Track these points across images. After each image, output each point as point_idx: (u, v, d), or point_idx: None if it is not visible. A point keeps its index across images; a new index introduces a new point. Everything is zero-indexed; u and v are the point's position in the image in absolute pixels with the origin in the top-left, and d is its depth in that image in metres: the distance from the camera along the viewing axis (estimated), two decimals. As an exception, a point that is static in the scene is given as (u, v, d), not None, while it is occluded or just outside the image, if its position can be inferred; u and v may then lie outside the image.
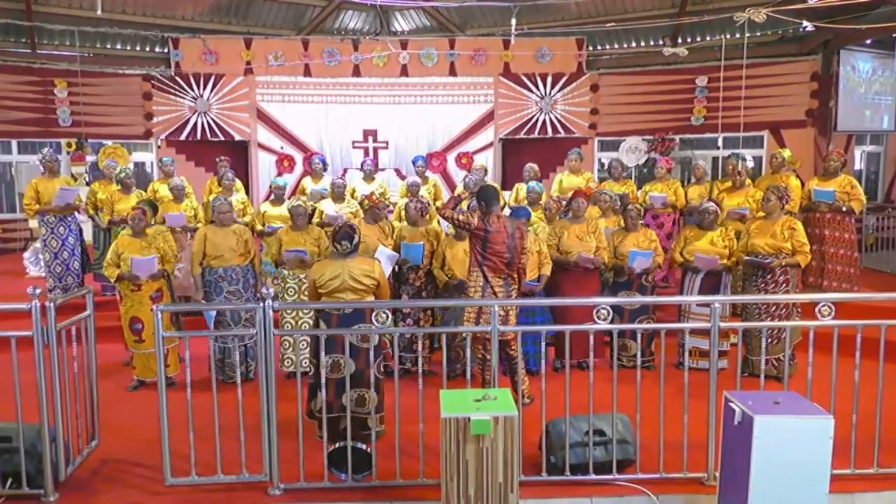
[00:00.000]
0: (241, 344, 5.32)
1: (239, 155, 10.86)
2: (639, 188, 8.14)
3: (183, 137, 11.03)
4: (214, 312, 5.30)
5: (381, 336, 4.44)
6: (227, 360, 5.41)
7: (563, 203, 6.29)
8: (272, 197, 7.27)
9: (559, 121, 11.30)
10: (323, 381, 3.70)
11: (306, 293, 5.23)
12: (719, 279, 5.59)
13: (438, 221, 7.67)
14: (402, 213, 6.81)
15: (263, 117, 11.16)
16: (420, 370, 3.69)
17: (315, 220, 6.92)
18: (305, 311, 5.37)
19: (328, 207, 7.05)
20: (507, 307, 4.58)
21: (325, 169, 8.24)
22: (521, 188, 7.73)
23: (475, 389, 3.26)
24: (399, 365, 4.02)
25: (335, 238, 4.28)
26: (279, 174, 10.85)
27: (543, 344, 3.68)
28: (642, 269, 5.66)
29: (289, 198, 7.27)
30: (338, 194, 7.14)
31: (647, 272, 5.72)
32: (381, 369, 4.24)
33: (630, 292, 5.72)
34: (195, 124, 10.98)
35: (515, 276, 4.72)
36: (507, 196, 8.03)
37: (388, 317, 3.54)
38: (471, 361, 3.70)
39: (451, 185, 10.60)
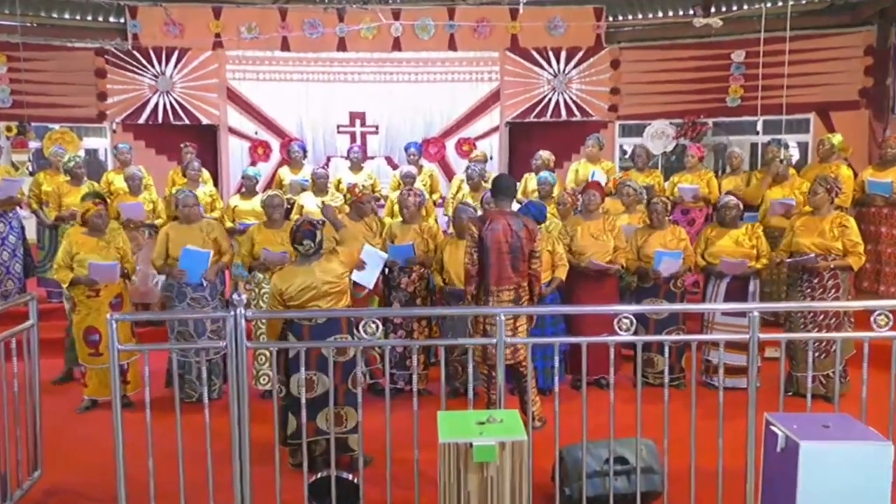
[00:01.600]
0: (207, 359, 5.32)
1: (207, 141, 10.83)
2: (666, 179, 8.15)
3: (142, 121, 11.01)
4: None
5: (369, 350, 4.45)
6: (186, 375, 5.41)
7: (580, 196, 6.30)
8: (243, 189, 7.27)
9: (575, 102, 11.30)
10: (298, 401, 3.70)
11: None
12: (746, 284, 5.59)
13: (436, 218, 7.69)
14: (395, 207, 6.82)
15: (235, 98, 11.14)
16: (415, 389, 3.68)
17: (294, 215, 6.92)
18: (263, 323, 5.37)
19: (309, 201, 7.05)
20: (516, 317, 4.58)
21: (305, 157, 8.25)
22: (531, 179, 7.74)
23: (478, 411, 3.25)
24: (390, 383, 4.01)
25: (294, 238, 4.27)
26: (252, 163, 10.85)
27: (557, 358, 3.68)
28: (670, 273, 5.66)
29: (263, 190, 7.27)
30: (320, 186, 7.15)
31: (675, 276, 5.71)
32: (367, 383, 4.25)
33: (656, 299, 5.72)
34: (156, 106, 10.96)
35: (525, 285, 4.70)
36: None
37: (377, 328, 3.54)
38: (473, 378, 3.69)
39: (450, 175, 10.58)
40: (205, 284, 5.50)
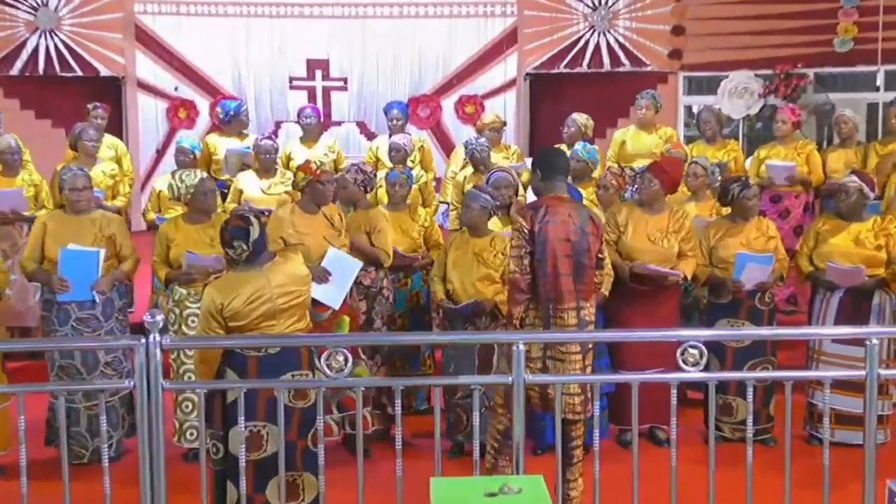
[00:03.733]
0: (107, 402, 5.27)
1: (107, 100, 10.81)
2: (748, 154, 8.14)
3: (16, 72, 10.99)
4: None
5: (342, 392, 4.44)
6: (73, 427, 5.38)
7: (630, 177, 6.29)
8: (176, 168, 7.24)
9: (622, 45, 11.30)
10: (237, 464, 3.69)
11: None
12: (868, 300, 5.60)
13: (437, 207, 7.68)
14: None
15: (146, 40, 11.13)
16: (397, 447, 3.66)
17: (229, 202, 6.90)
18: (188, 356, 5.35)
19: (250, 185, 7.04)
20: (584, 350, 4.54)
21: (243, 121, 8.23)
22: (562, 153, 7.74)
23: (487, 477, 3.25)
24: (367, 429, 4.02)
25: (223, 239, 4.28)
26: (172, 129, 10.84)
27: (597, 403, 3.68)
28: (755, 284, 5.66)
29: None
30: (266, 164, 7.13)
31: (762, 288, 5.71)
32: (343, 433, 4.24)
33: (736, 321, 5.72)
34: (35, 50, 10.94)
35: (590, 305, 4.68)
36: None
37: (347, 360, 3.52)
38: (481, 429, 3.68)
39: (448, 147, 10.57)
40: (96, 300, 5.48)
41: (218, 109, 8.23)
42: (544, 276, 4.54)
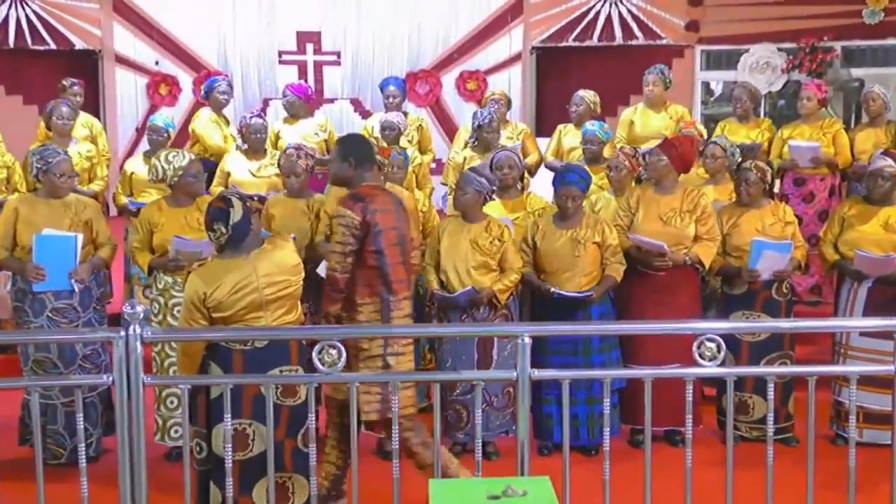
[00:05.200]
0: (85, 397, 5.29)
1: (83, 75, 10.80)
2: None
3: (-16, 45, 10.97)
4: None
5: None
6: (50, 425, 5.40)
7: (642, 158, 6.28)
8: (148, 148, 7.24)
9: (635, 17, 11.27)
10: (224, 464, 3.69)
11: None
12: (898, 291, 5.60)
13: (432, 190, 7.67)
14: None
15: (125, 10, 11.11)
16: (394, 447, 3.66)
17: (215, 185, 6.89)
18: (172, 348, 5.35)
19: (238, 166, 7.03)
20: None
21: (228, 98, 8.21)
22: (570, 133, 7.70)
23: (489, 478, 3.25)
24: (359, 430, 4.02)
25: (206, 222, 4.31)
26: (153, 107, 10.83)
27: (608, 401, 3.67)
28: (772, 273, 5.65)
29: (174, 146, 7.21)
30: (254, 143, 7.11)
31: (780, 277, 5.71)
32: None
33: (752, 313, 5.72)
34: (5, 21, 10.92)
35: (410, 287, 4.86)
36: (543, 146, 8.02)
37: (340, 354, 3.53)
38: (484, 427, 3.69)
39: (448, 127, 10.56)
40: (74, 288, 5.48)
41: (215, 84, 8.18)
42: (384, 267, 4.62)
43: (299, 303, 4.49)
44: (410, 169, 6.62)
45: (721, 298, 5.90)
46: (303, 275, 4.42)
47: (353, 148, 4.84)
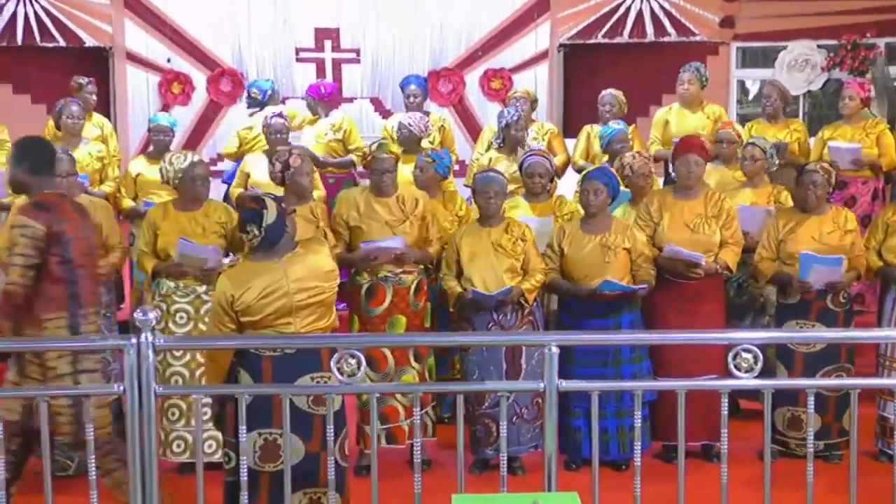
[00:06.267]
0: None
1: (93, 73, 10.86)
2: (811, 134, 8.06)
3: (-8, 42, 11.06)
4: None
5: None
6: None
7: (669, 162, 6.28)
8: (150, 148, 7.29)
9: (667, 12, 11.23)
10: (248, 477, 3.72)
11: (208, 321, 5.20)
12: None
13: (454, 192, 7.67)
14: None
15: (137, 6, 11.16)
16: (416, 460, 3.68)
17: (235, 187, 6.93)
18: (176, 356, 5.41)
19: (259, 168, 7.04)
20: None
21: (253, 98, 8.26)
22: (596, 134, 7.67)
23: (515, 494, 3.25)
24: (379, 444, 4.04)
25: (238, 223, 4.36)
26: (164, 107, 10.87)
27: (638, 414, 3.67)
28: (825, 284, 5.60)
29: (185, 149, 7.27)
30: (275, 143, 7.13)
31: (835, 289, 5.66)
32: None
33: (806, 323, 5.68)
34: (12, 17, 10.97)
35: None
36: (570, 147, 8.01)
37: (360, 363, 3.54)
38: (510, 442, 3.69)
39: (471, 127, 10.55)
40: None
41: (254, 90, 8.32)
42: (74, 279, 4.54)
43: (334, 308, 4.48)
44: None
45: (779, 309, 5.86)
46: (338, 280, 4.43)
47: (28, 152, 4.65)
